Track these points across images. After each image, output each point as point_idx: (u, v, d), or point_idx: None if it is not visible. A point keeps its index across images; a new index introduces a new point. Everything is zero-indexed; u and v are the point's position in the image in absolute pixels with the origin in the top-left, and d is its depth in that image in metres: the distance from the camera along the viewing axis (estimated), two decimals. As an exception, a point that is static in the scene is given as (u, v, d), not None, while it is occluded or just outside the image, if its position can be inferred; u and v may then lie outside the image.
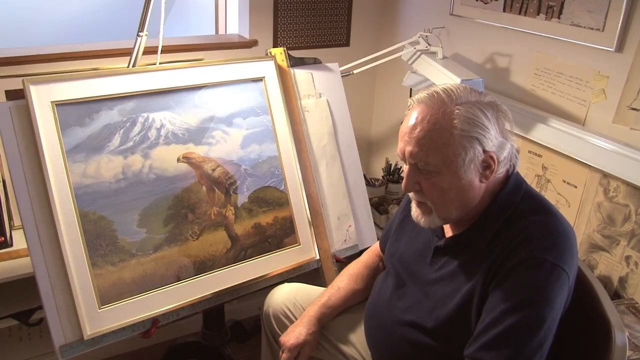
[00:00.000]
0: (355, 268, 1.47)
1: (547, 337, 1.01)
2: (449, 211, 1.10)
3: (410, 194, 1.15)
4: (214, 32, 2.94)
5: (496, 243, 1.07)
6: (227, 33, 2.67)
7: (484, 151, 1.05)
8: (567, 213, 1.68)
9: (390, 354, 1.23)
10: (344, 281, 1.44)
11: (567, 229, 1.07)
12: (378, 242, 1.50)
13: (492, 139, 1.05)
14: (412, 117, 1.08)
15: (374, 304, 1.32)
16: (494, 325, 1.01)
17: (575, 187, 1.64)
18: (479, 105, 1.06)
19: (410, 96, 2.28)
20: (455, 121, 1.04)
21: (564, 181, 1.68)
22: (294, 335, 1.34)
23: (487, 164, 1.07)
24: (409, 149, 1.08)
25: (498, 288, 1.03)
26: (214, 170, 1.52)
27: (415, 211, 1.16)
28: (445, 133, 1.04)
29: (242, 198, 1.56)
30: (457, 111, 1.05)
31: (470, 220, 1.13)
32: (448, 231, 1.20)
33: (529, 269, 1.01)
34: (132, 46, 1.55)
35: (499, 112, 1.09)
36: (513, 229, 1.07)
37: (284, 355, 1.33)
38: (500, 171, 1.09)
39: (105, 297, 1.33)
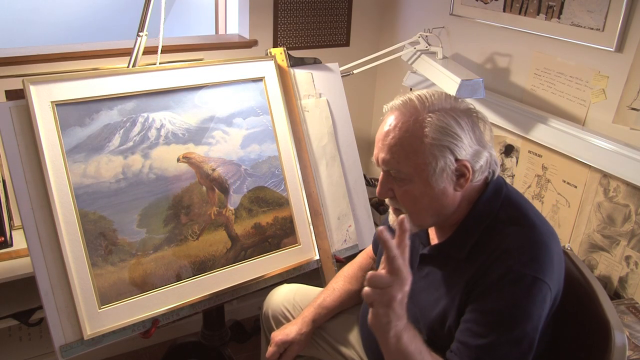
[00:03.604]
0: (350, 270, 1.48)
1: (531, 348, 1.01)
2: (423, 218, 1.10)
3: (386, 201, 1.14)
4: (214, 32, 2.95)
5: (476, 255, 1.07)
6: (227, 33, 2.68)
7: (457, 160, 1.04)
8: (567, 213, 1.68)
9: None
10: (339, 282, 1.45)
11: (546, 239, 1.05)
12: (371, 245, 1.50)
13: (465, 147, 1.04)
14: (386, 124, 1.08)
15: (368, 310, 1.32)
16: (476, 339, 1.01)
17: (575, 187, 1.64)
18: (452, 113, 1.05)
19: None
20: (426, 129, 1.03)
21: (564, 181, 1.68)
22: (284, 332, 1.36)
23: (461, 173, 1.05)
24: (381, 155, 1.08)
25: (478, 302, 1.03)
26: (213, 170, 1.52)
27: (392, 217, 1.15)
28: (416, 141, 1.04)
29: (242, 198, 1.56)
30: (428, 119, 1.04)
31: (451, 228, 1.13)
32: (433, 239, 1.19)
33: (509, 284, 1.00)
34: (132, 46, 1.56)
35: (477, 120, 1.08)
36: (492, 240, 1.06)
37: (270, 349, 1.34)
38: (478, 179, 1.08)
39: (105, 297, 1.33)
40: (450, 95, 1.10)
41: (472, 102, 1.17)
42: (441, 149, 1.03)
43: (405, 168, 1.05)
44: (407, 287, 0.92)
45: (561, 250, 1.10)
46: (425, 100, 1.07)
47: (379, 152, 1.09)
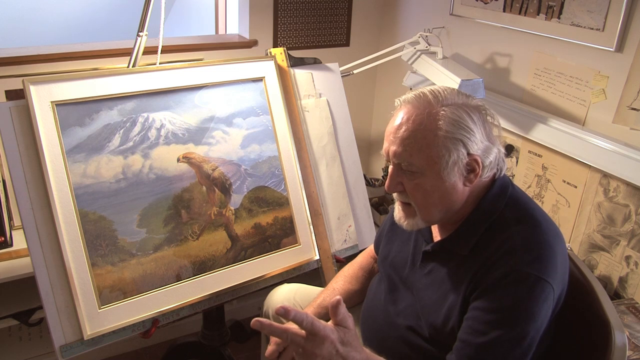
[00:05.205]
0: (350, 270, 1.48)
1: (531, 347, 1.01)
2: (432, 213, 1.09)
3: (394, 195, 1.14)
4: (214, 32, 2.95)
5: (480, 252, 1.07)
6: (227, 33, 2.68)
7: (468, 154, 1.05)
8: (567, 213, 1.68)
9: (385, 355, 1.23)
10: (340, 282, 1.45)
11: (550, 240, 1.05)
12: (373, 245, 1.50)
13: (477, 142, 1.05)
14: (398, 117, 1.08)
15: (369, 307, 1.32)
16: (477, 337, 1.01)
17: (575, 187, 1.64)
18: (465, 108, 1.06)
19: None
20: (440, 122, 1.04)
21: (564, 181, 1.68)
22: None
23: (472, 168, 1.06)
24: (393, 148, 1.08)
25: (481, 299, 1.03)
26: (213, 170, 1.52)
27: (398, 213, 1.15)
28: (430, 134, 1.04)
29: (242, 198, 1.56)
30: (442, 112, 1.04)
31: (455, 224, 1.13)
32: (436, 235, 1.19)
33: (512, 283, 1.00)
34: (132, 46, 1.55)
35: (487, 117, 1.09)
36: (496, 238, 1.06)
37: (269, 347, 1.34)
38: (486, 175, 1.09)
39: (105, 297, 1.33)
40: (461, 91, 1.11)
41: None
42: (454, 142, 1.03)
43: (417, 161, 1.05)
44: (327, 344, 0.95)
45: (566, 251, 1.10)
46: (439, 95, 1.07)
47: (390, 145, 1.08)
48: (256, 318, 0.94)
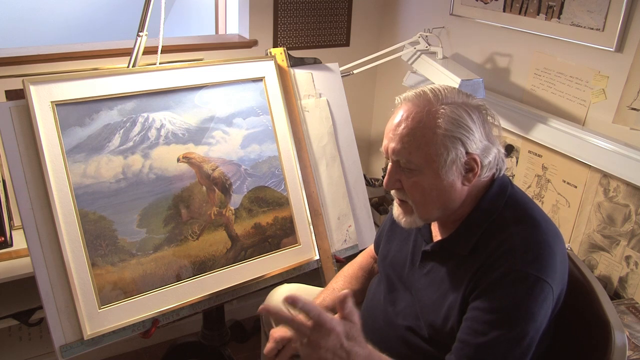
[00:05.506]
0: (350, 270, 1.48)
1: (530, 347, 1.01)
2: (430, 211, 1.10)
3: (392, 192, 1.15)
4: (214, 32, 2.95)
5: (479, 252, 1.07)
6: (227, 33, 2.68)
7: (467, 153, 1.05)
8: (567, 213, 1.68)
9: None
10: (339, 282, 1.45)
11: (549, 240, 1.05)
12: (372, 244, 1.50)
13: (476, 141, 1.05)
14: (398, 115, 1.09)
15: (369, 308, 1.32)
16: (477, 337, 1.01)
17: (575, 187, 1.64)
18: (465, 107, 1.06)
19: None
20: (439, 120, 1.04)
21: (564, 181, 1.68)
22: (283, 328, 1.35)
23: (470, 167, 1.06)
24: (392, 145, 1.08)
25: (480, 299, 1.03)
26: (213, 170, 1.52)
27: (396, 210, 1.16)
28: (429, 132, 1.04)
29: (242, 198, 1.56)
30: (442, 110, 1.05)
31: (455, 224, 1.13)
32: (436, 235, 1.19)
33: (512, 283, 1.00)
34: (132, 46, 1.56)
35: (487, 117, 1.09)
36: (496, 238, 1.06)
37: (268, 345, 1.34)
38: (485, 175, 1.09)
39: (105, 297, 1.33)
40: (462, 91, 1.11)
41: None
42: (453, 141, 1.03)
43: (416, 158, 1.05)
44: (333, 336, 0.93)
45: (565, 251, 1.10)
46: (439, 93, 1.07)
47: (389, 143, 1.09)
48: (263, 305, 0.94)
